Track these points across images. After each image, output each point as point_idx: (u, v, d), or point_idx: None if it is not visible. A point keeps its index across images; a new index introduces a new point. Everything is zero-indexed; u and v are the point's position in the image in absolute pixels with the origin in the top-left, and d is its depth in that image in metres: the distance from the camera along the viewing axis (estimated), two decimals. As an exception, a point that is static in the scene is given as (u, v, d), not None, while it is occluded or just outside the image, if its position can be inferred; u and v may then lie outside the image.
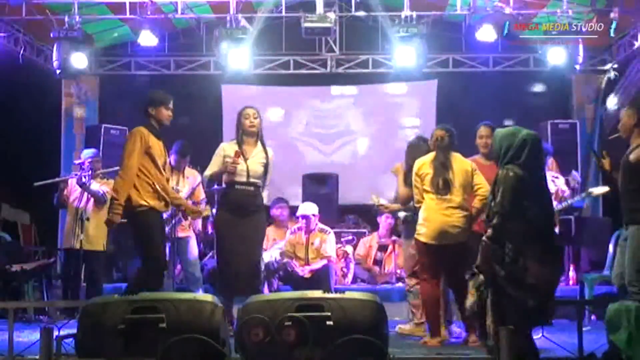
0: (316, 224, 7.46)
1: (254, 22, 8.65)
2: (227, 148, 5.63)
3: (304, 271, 7.29)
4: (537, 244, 4.04)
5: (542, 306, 3.99)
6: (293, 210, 7.90)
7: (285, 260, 7.32)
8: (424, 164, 5.35)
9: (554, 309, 4.27)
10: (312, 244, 7.42)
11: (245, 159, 5.55)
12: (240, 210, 5.52)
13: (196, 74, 9.85)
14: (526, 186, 4.11)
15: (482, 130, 5.83)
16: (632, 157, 4.70)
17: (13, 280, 7.36)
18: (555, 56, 8.53)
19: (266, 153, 5.65)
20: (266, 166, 5.63)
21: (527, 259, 4.01)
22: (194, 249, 6.92)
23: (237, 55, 8.47)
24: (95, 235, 6.98)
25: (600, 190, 6.36)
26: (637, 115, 4.81)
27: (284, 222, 7.89)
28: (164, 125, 5.25)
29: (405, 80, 9.60)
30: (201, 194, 6.94)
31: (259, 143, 5.67)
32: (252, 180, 5.54)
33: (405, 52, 8.49)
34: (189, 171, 6.95)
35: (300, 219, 7.45)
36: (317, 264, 7.33)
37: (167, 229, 6.55)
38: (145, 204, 5.04)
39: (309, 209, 7.47)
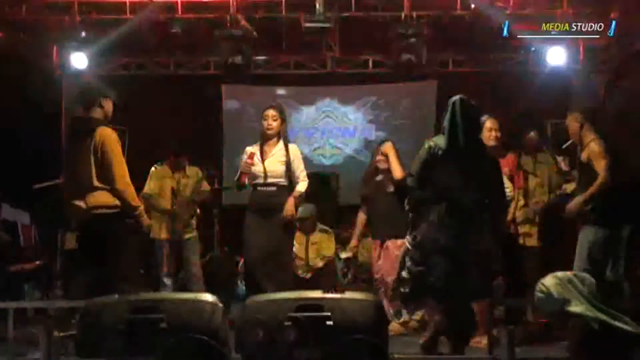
0: (316, 224, 7.45)
1: (254, 22, 8.65)
2: (247, 151, 5.66)
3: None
4: (440, 205, 4.07)
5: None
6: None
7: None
8: None
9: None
10: (312, 244, 7.42)
11: (263, 160, 5.56)
12: (264, 212, 5.52)
13: (196, 74, 9.85)
14: (437, 155, 4.12)
15: (488, 122, 5.53)
16: (582, 156, 4.77)
17: (13, 280, 7.37)
18: (555, 56, 8.53)
19: (287, 150, 5.61)
20: (288, 163, 5.57)
21: (423, 220, 4.11)
22: (195, 249, 6.91)
23: (236, 55, 8.47)
24: (95, 235, 6.96)
25: (573, 186, 6.35)
26: (581, 117, 4.87)
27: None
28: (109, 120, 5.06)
29: (405, 80, 9.59)
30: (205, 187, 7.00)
31: (280, 142, 5.64)
32: (270, 180, 5.54)
33: (405, 52, 8.48)
34: (190, 169, 6.96)
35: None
36: (317, 264, 7.33)
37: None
38: (118, 204, 4.67)
39: (307, 210, 7.45)
